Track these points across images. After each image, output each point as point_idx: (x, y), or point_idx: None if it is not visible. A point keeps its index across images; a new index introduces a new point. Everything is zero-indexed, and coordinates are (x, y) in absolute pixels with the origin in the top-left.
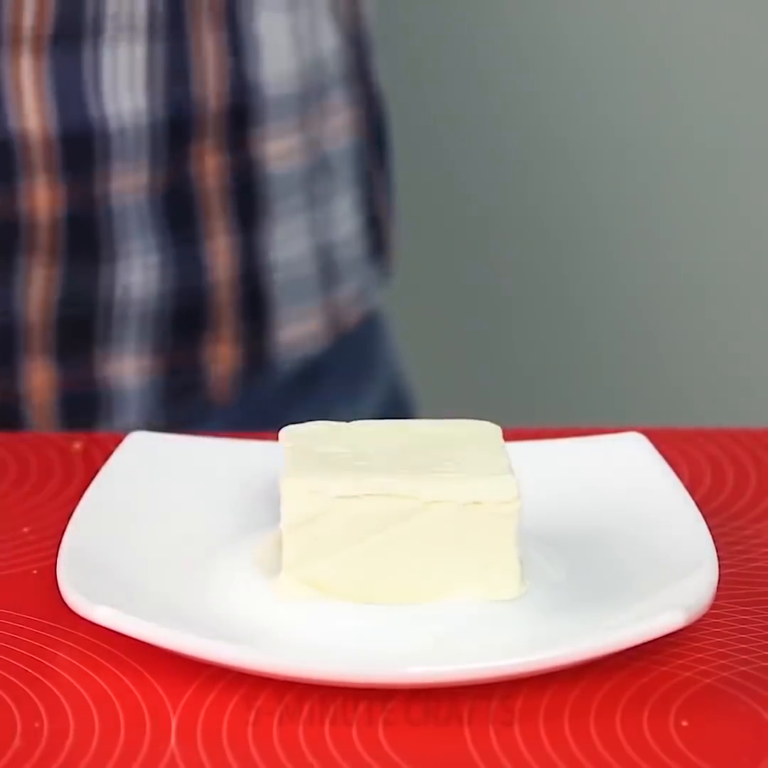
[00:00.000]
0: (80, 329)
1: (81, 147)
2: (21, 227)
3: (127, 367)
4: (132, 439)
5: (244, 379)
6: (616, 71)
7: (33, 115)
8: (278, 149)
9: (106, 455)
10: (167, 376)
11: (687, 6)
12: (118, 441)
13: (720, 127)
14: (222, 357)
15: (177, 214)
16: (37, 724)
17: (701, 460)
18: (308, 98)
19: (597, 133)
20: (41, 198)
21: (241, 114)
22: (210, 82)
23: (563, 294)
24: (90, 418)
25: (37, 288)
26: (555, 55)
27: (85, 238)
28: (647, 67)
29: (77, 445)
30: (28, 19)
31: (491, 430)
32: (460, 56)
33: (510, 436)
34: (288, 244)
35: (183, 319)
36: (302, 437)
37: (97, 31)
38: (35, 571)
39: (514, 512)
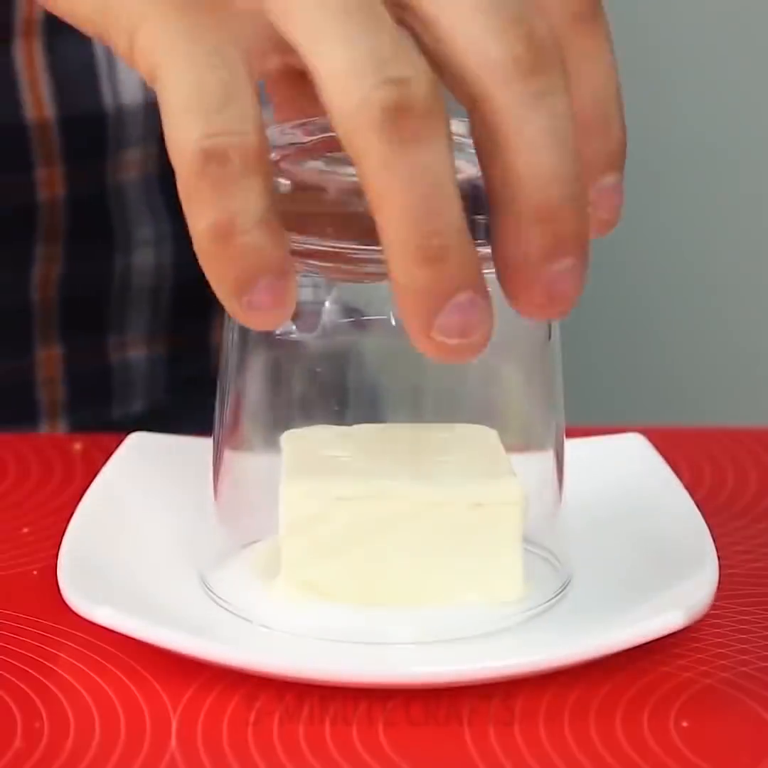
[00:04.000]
0: (90, 311)
1: (90, 131)
2: (36, 213)
3: (137, 348)
4: (132, 439)
5: None
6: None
7: (45, 103)
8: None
9: (106, 455)
10: (176, 356)
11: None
12: (119, 441)
13: (719, 125)
14: None
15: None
16: (37, 725)
17: (702, 459)
18: None
19: None
20: (52, 183)
21: None
22: None
23: None
24: (100, 398)
25: (49, 271)
26: None
27: (95, 220)
28: (646, 67)
29: (77, 446)
30: (40, 9)
31: (490, 434)
32: None
33: None
34: None
35: (191, 298)
36: (302, 440)
37: None
38: (35, 572)
39: (518, 514)
